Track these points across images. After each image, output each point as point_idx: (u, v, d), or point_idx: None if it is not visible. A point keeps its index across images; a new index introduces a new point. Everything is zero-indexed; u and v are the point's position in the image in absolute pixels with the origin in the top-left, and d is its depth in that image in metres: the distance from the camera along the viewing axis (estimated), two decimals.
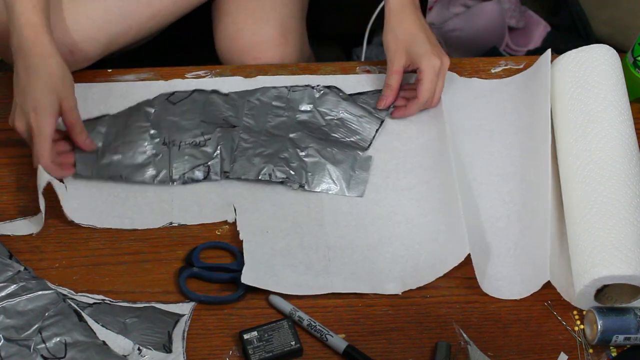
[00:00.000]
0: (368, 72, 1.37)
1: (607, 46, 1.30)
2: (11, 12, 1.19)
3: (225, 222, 1.21)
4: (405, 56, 1.30)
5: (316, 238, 1.20)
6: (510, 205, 1.24)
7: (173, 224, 1.21)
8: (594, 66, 1.27)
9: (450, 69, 1.36)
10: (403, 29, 1.30)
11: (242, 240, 1.19)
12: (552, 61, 1.32)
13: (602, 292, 1.13)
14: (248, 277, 1.14)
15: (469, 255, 1.16)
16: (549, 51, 1.32)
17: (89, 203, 1.21)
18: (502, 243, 1.21)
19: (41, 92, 1.17)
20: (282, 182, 1.24)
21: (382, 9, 1.33)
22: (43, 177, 1.17)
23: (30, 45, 1.18)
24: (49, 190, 1.18)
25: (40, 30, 1.18)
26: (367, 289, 1.16)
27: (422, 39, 1.29)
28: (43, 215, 1.18)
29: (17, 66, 1.19)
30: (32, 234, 1.19)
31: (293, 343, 1.10)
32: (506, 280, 1.18)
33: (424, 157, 1.28)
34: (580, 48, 1.30)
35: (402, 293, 1.16)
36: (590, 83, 1.26)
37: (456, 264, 1.16)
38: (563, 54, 1.31)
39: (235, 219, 1.21)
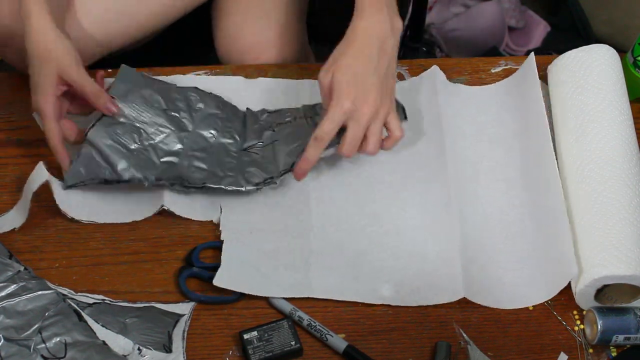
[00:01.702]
0: None
1: (607, 46, 1.30)
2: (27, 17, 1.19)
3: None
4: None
5: (300, 242, 1.18)
6: (520, 209, 1.23)
7: (164, 207, 1.19)
8: (594, 66, 1.27)
9: (450, 69, 1.36)
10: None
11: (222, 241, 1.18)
12: (552, 61, 1.32)
13: (602, 292, 1.13)
14: (221, 279, 1.13)
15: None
16: (532, 55, 1.31)
17: (83, 197, 1.20)
18: (520, 247, 1.20)
19: (35, 73, 1.17)
20: (266, 184, 1.21)
21: None
22: (40, 175, 1.16)
23: (26, 29, 1.18)
24: (47, 190, 1.17)
25: (34, 13, 1.17)
26: (350, 297, 1.14)
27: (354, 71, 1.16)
28: (27, 209, 1.17)
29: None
30: (15, 228, 1.18)
31: (293, 343, 1.10)
32: (529, 284, 1.16)
33: (419, 165, 1.25)
34: (580, 48, 1.30)
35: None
36: (590, 83, 1.26)
37: (445, 302, 1.14)
38: (563, 54, 1.31)
39: (220, 219, 1.20)
